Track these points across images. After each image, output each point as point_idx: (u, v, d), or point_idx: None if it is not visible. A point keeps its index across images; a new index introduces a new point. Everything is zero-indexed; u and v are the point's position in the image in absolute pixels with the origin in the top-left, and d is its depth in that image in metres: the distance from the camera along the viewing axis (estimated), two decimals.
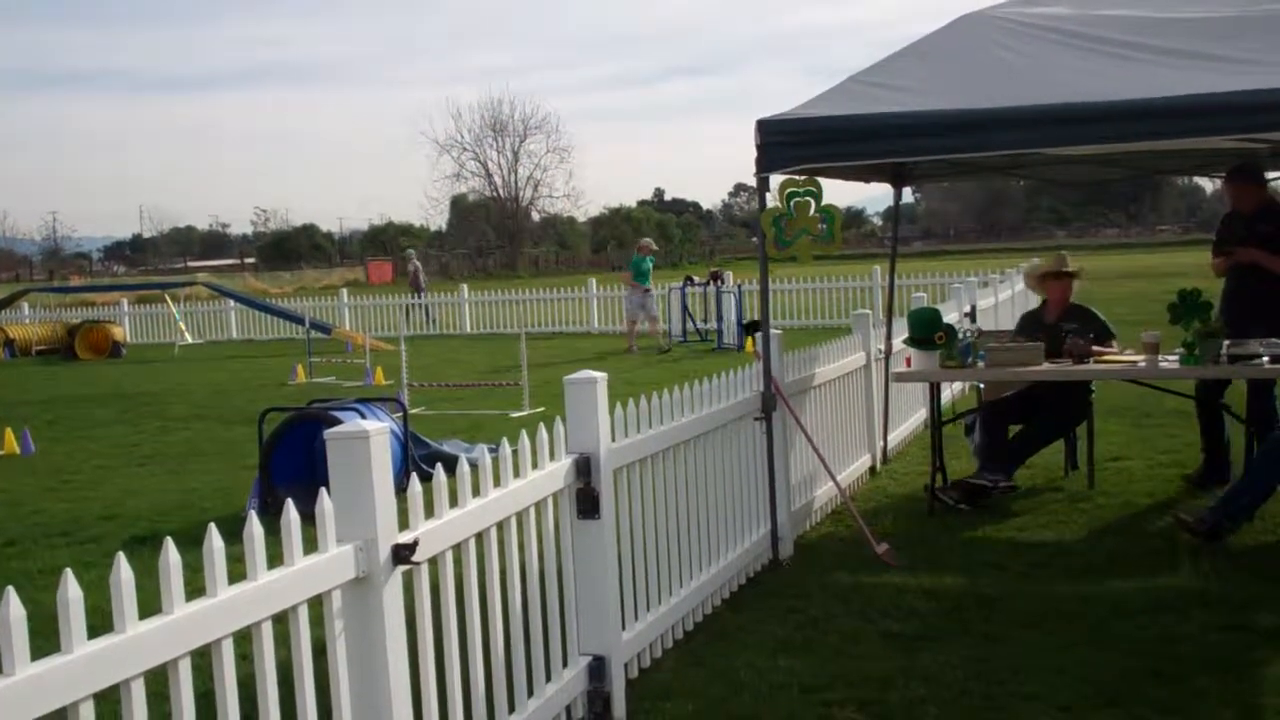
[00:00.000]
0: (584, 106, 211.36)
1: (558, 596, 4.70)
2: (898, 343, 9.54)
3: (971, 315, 13.71)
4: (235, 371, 21.52)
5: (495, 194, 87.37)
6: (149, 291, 33.50)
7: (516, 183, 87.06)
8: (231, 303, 29.86)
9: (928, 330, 8.09)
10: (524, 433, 4.50)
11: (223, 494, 9.80)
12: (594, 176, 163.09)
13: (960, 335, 8.17)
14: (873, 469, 9.53)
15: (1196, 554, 6.76)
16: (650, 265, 22.52)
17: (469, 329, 28.34)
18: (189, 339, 28.14)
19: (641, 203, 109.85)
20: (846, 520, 8.07)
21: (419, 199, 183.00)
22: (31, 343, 27.70)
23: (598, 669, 4.85)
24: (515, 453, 4.40)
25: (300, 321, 24.03)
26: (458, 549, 3.95)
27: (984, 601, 6.19)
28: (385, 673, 3.41)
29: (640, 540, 5.36)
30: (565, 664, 4.73)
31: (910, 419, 11.00)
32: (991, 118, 6.19)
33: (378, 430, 3.46)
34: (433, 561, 3.77)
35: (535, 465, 4.49)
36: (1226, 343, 7.61)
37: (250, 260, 73.30)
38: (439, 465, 4.03)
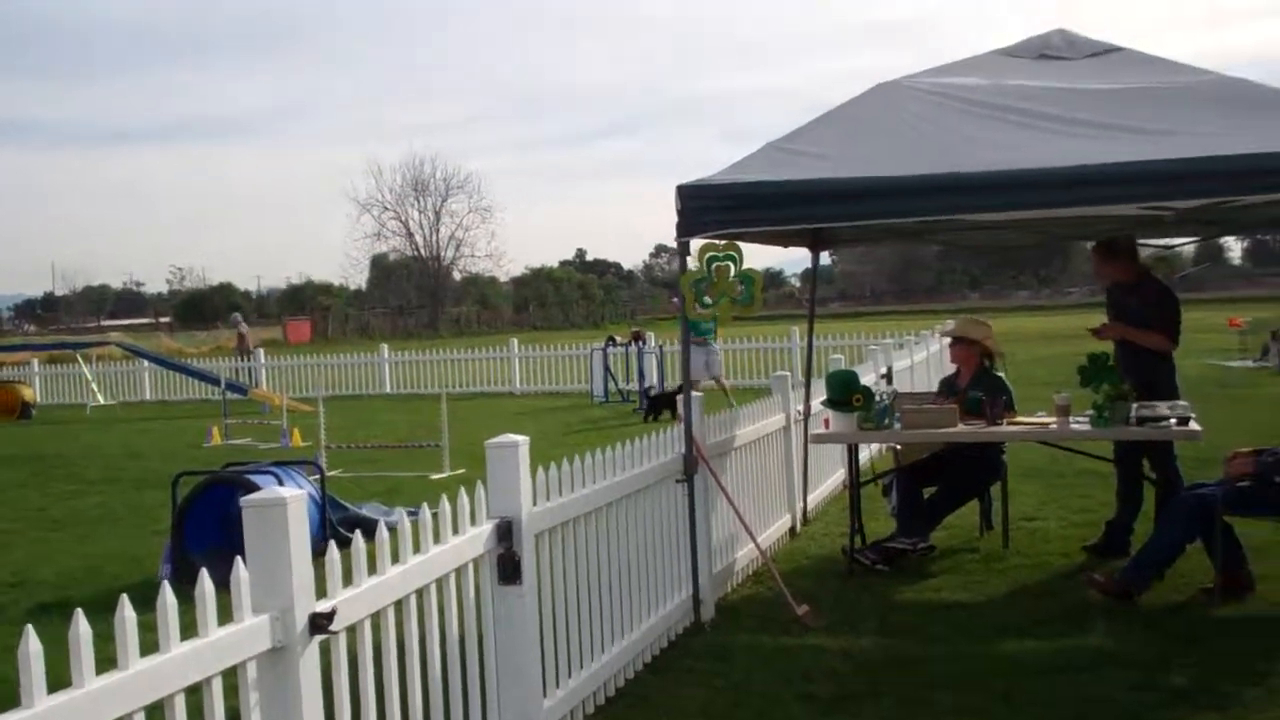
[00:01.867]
0: (504, 165, 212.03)
1: (478, 664, 4.66)
2: (816, 404, 9.61)
3: (888, 377, 13.80)
4: (149, 433, 21.17)
5: (417, 253, 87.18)
6: (60, 351, 32.89)
7: (438, 242, 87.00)
8: (145, 363, 29.40)
9: (845, 392, 8.18)
10: (444, 497, 4.47)
11: (133, 561, 9.60)
12: (515, 236, 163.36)
13: (877, 397, 8.27)
14: (793, 530, 9.57)
15: (1109, 614, 6.87)
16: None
17: (389, 389, 28.12)
18: (101, 400, 27.64)
19: (564, 262, 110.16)
20: (768, 581, 8.09)
21: (338, 257, 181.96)
22: None
23: None
24: (435, 516, 4.37)
25: (216, 382, 23.72)
26: (376, 617, 3.91)
27: (901, 663, 6.23)
28: None
29: (562, 606, 5.34)
30: None
31: (829, 479, 11.07)
32: (907, 186, 6.31)
33: (294, 497, 3.43)
34: (351, 630, 3.73)
35: (456, 530, 4.47)
36: (1135, 405, 7.78)
37: (165, 319, 72.42)
38: (357, 530, 3.99)
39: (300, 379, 28.30)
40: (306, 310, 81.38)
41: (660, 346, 23.37)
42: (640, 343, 24.70)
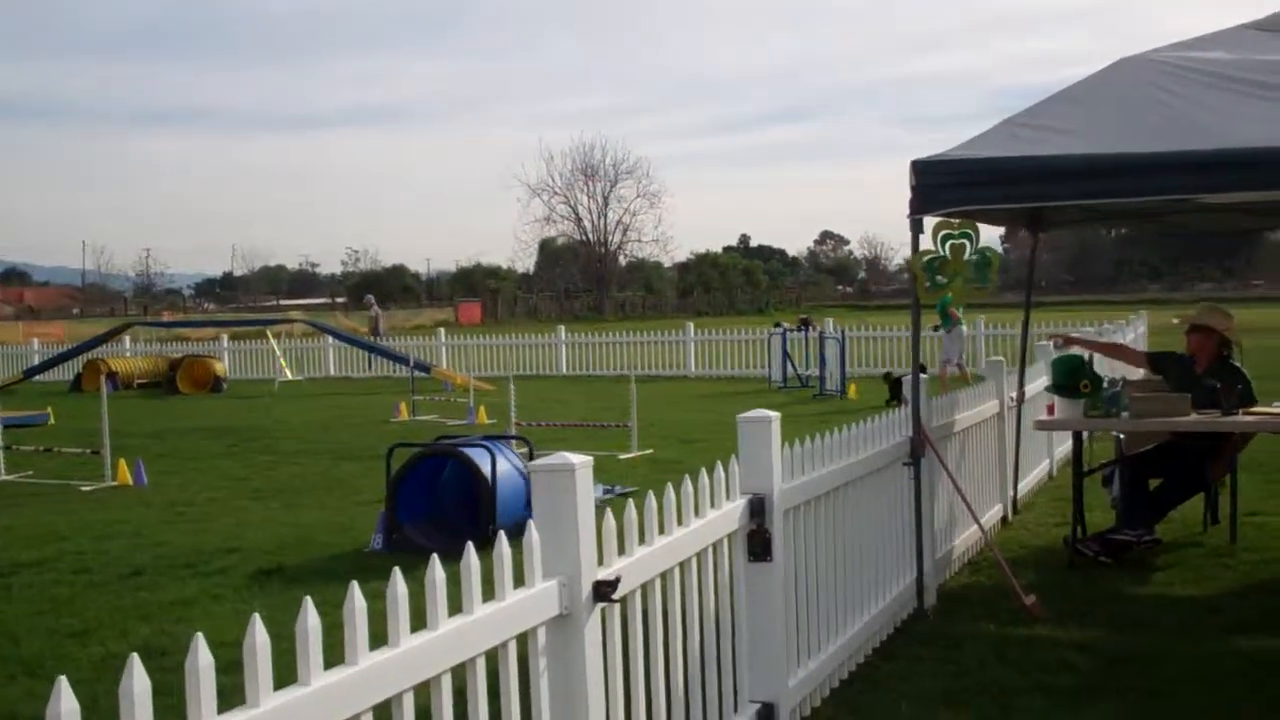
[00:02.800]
0: (669, 151, 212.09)
1: (729, 641, 4.57)
2: (1032, 389, 9.34)
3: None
4: (336, 408, 21.66)
5: (584, 238, 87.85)
6: (246, 328, 33.90)
7: (606, 226, 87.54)
8: (330, 340, 30.09)
9: (1072, 378, 7.90)
10: (703, 470, 4.37)
11: (341, 529, 9.76)
12: (680, 221, 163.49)
13: (1105, 384, 7.96)
14: (1004, 519, 9.30)
15: None
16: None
17: (565, 369, 28.36)
18: (289, 375, 28.37)
19: (727, 248, 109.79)
20: (985, 570, 7.88)
21: (507, 241, 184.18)
22: (133, 376, 28.11)
23: (766, 716, 4.71)
24: (696, 490, 4.28)
25: (403, 361, 24.16)
26: (644, 588, 3.84)
27: (1139, 658, 5.98)
28: (585, 715, 3.31)
29: (804, 585, 5.22)
30: (736, 709, 4.59)
31: (1035, 469, 10.75)
32: (1169, 161, 6.00)
33: (582, 463, 3.38)
34: (620, 600, 3.66)
35: (713, 504, 4.37)
36: None
37: (340, 299, 74.29)
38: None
39: (479, 358, 28.73)
40: (476, 293, 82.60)
41: (842, 331, 23.04)
42: (809, 328, 24.45)
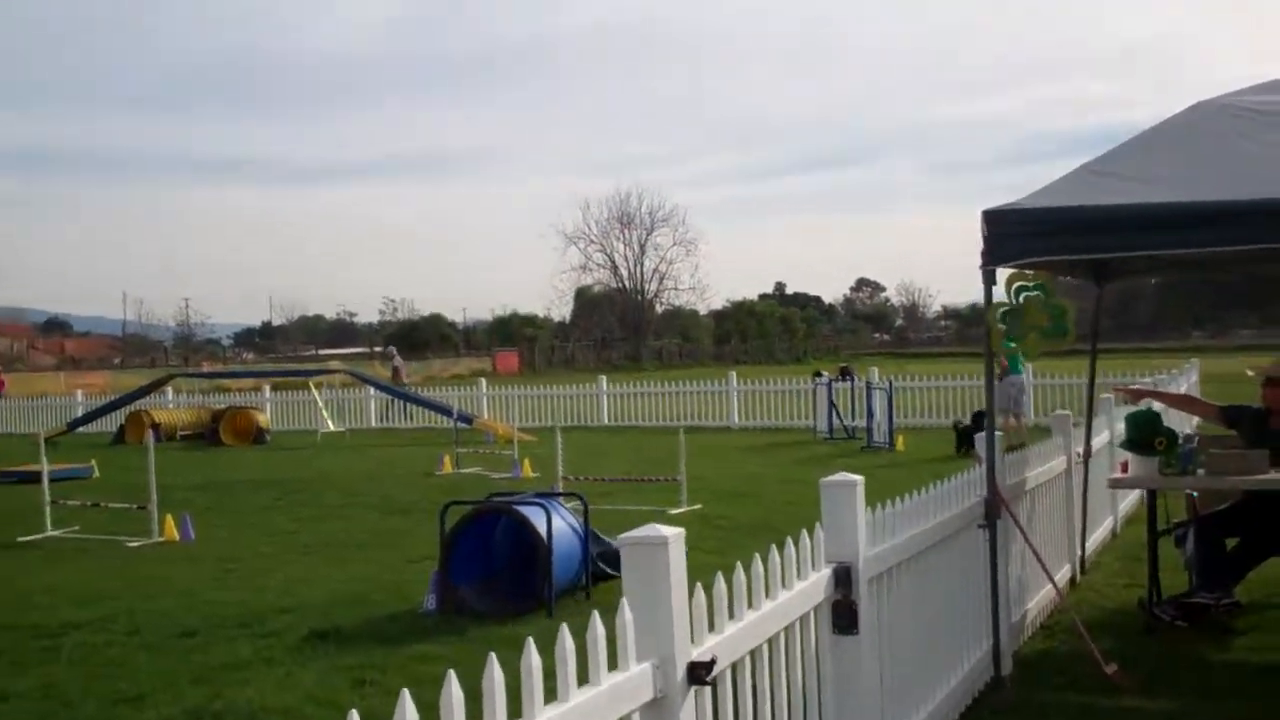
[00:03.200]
0: (705, 199, 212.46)
1: (818, 717, 4.35)
2: (1100, 443, 9.09)
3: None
4: (380, 460, 21.55)
5: (621, 285, 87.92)
6: (288, 379, 33.93)
7: (642, 274, 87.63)
8: (372, 390, 30.02)
9: (1147, 434, 7.66)
10: (789, 540, 4.17)
11: (394, 589, 9.56)
12: (716, 269, 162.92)
13: (1180, 440, 7.72)
14: (1073, 580, 9.03)
15: None
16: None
17: (606, 420, 28.16)
18: (332, 426, 28.28)
19: (763, 295, 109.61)
20: (1059, 635, 7.62)
21: (542, 289, 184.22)
22: (176, 427, 28.14)
23: None
24: (782, 560, 4.08)
25: (446, 413, 24.03)
26: (733, 667, 3.64)
27: None
28: None
29: (888, 657, 5.00)
30: None
31: (1100, 527, 10.46)
32: (1248, 209, 5.80)
33: (675, 536, 3.19)
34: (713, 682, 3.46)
35: (799, 574, 4.17)
36: None
37: (379, 349, 74.43)
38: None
39: (520, 409, 28.51)
40: (513, 341, 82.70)
41: (890, 381, 22.77)
42: (848, 378, 24.19)
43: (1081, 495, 9.32)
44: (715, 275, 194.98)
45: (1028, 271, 6.52)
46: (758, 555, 3.90)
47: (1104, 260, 8.38)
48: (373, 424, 29.72)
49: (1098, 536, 10.30)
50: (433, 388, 34.05)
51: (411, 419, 29.09)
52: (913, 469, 16.72)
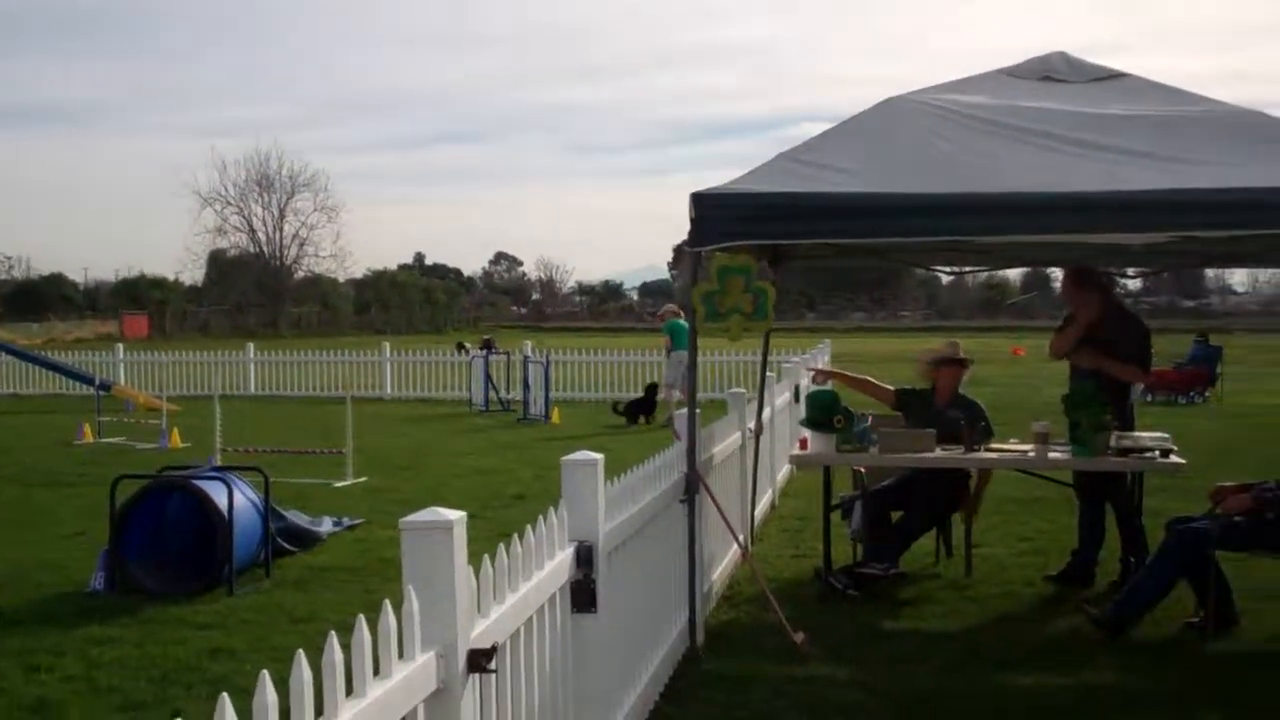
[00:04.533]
0: (339, 167, 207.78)
1: (560, 700, 4.32)
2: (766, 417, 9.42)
3: (796, 395, 13.76)
4: (11, 429, 19.98)
5: (259, 250, 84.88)
6: None
7: (281, 240, 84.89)
8: (2, 355, 27.75)
9: (826, 413, 8.02)
10: (540, 519, 4.11)
11: (51, 566, 8.86)
12: (357, 238, 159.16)
13: (857, 419, 8.12)
14: (745, 552, 9.34)
15: (1106, 648, 6.83)
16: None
17: (254, 390, 27.11)
18: None
19: (403, 266, 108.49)
20: (742, 605, 7.88)
21: (172, 251, 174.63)
22: None
23: None
24: (529, 540, 4.02)
25: (89, 381, 22.44)
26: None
27: (922, 697, 6.07)
28: None
29: (621, 632, 5.02)
30: None
31: (761, 500, 10.88)
32: (957, 203, 6.13)
33: (459, 519, 3.09)
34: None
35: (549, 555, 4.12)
36: (1116, 435, 7.78)
37: None
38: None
39: (161, 376, 26.95)
40: (140, 304, 78.43)
41: (546, 355, 22.97)
42: (491, 350, 24.29)
43: (753, 470, 9.66)
44: (357, 244, 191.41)
45: (732, 255, 6.68)
46: (515, 535, 3.83)
47: (787, 246, 8.69)
48: (1, 390, 27.54)
49: (761, 508, 10.71)
50: (56, 351, 31.72)
51: (42, 385, 27.04)
52: (571, 442, 16.92)
